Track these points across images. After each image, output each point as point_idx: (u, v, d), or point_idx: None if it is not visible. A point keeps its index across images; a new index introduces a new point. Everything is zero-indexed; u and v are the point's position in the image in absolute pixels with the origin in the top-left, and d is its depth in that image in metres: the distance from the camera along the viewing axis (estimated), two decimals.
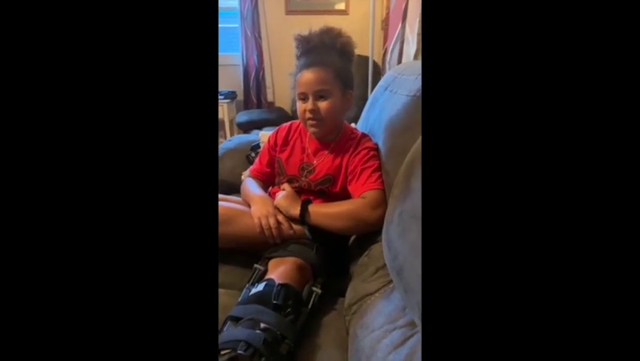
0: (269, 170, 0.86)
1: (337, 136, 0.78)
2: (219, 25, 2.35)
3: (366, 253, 0.66)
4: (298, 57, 0.76)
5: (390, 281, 0.53)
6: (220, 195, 0.89)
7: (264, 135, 1.16)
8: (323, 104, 0.72)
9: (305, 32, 0.74)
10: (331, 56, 0.73)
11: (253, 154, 1.16)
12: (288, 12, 2.36)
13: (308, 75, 0.71)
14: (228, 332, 0.50)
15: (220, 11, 2.38)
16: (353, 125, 0.88)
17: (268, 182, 0.87)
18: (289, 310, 0.54)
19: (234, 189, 1.11)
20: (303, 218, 0.71)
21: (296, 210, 0.71)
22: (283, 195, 0.74)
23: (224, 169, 1.16)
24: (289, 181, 0.80)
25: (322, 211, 0.71)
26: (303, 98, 0.73)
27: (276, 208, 0.73)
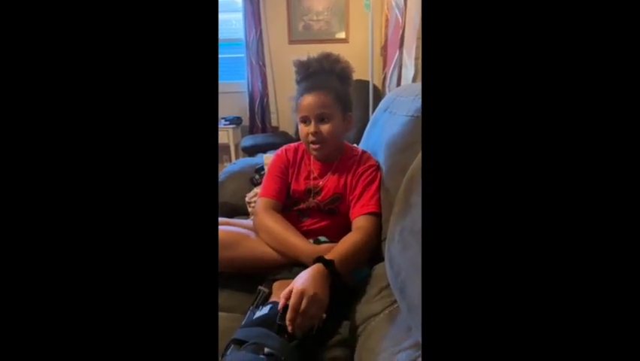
0: (281, 185, 0.80)
1: (338, 156, 0.80)
2: (226, 56, 2.50)
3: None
4: (298, 82, 0.78)
5: (395, 301, 0.52)
6: (223, 219, 0.89)
7: (268, 158, 1.18)
8: (325, 127, 0.74)
9: (304, 58, 0.77)
10: (331, 81, 0.75)
11: (257, 176, 1.17)
12: (291, 42, 2.46)
13: (309, 99, 0.73)
14: (232, 357, 0.49)
15: (226, 42, 2.49)
16: (355, 145, 0.90)
17: (283, 200, 0.81)
18: None
19: (237, 211, 1.12)
20: (338, 277, 0.60)
21: (327, 290, 0.57)
22: (304, 298, 0.53)
23: (227, 191, 1.18)
24: (295, 203, 0.79)
25: (346, 259, 0.62)
26: (305, 121, 0.75)
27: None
